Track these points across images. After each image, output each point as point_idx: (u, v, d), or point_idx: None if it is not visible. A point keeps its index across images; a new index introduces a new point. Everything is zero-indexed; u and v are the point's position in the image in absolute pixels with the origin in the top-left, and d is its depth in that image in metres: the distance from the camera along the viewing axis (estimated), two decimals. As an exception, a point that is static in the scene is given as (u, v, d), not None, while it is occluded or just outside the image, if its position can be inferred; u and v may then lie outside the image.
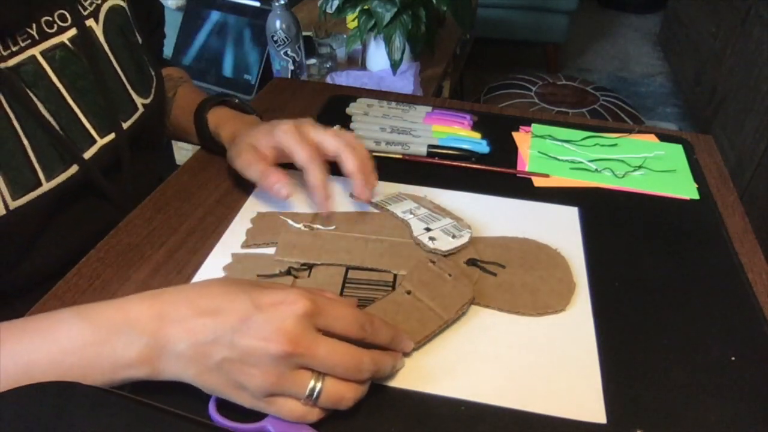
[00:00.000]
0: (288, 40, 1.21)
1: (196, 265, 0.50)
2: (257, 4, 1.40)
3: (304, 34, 1.29)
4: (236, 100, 0.65)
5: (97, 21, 0.54)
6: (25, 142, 0.48)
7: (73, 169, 0.52)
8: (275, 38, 1.21)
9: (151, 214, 0.56)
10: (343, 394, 0.35)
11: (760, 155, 1.64)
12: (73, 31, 0.52)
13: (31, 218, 0.49)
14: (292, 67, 1.25)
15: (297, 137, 0.52)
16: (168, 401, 0.35)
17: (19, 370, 0.35)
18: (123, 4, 0.58)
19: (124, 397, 0.34)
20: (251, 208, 0.57)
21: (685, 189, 0.62)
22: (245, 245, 0.52)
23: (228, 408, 0.37)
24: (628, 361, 0.43)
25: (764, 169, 1.62)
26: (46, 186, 0.49)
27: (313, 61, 1.36)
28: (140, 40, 0.60)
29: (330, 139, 0.52)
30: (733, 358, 0.43)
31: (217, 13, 1.44)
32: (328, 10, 1.31)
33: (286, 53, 1.23)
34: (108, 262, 0.50)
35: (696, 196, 0.61)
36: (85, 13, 0.53)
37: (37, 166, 0.48)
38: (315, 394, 0.35)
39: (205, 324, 0.35)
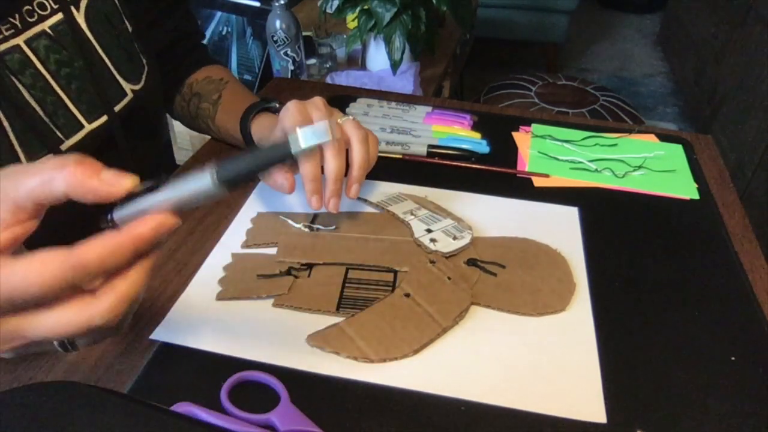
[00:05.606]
0: (288, 40, 1.21)
1: (196, 265, 0.50)
2: (257, 4, 1.40)
3: (304, 34, 1.29)
4: (277, 105, 0.63)
5: (77, 9, 0.54)
6: (9, 132, 0.48)
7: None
8: (275, 38, 1.21)
9: (151, 214, 0.56)
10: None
11: (760, 155, 1.64)
12: (53, 19, 0.52)
13: None
14: (292, 67, 1.25)
15: (297, 118, 0.50)
16: (168, 401, 0.35)
17: None
18: None
19: (124, 397, 0.34)
20: (251, 208, 0.57)
21: (685, 189, 0.62)
22: (245, 245, 0.52)
23: (239, 398, 0.37)
24: (628, 361, 0.43)
25: (764, 169, 1.62)
26: None
27: (313, 61, 1.36)
28: (130, 28, 0.60)
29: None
30: (733, 358, 0.43)
31: (217, 13, 1.44)
32: (328, 10, 1.31)
33: (286, 53, 1.23)
34: (108, 262, 0.50)
35: (696, 196, 0.61)
36: (67, 1, 0.53)
37: (21, 155, 0.49)
38: None
39: None
